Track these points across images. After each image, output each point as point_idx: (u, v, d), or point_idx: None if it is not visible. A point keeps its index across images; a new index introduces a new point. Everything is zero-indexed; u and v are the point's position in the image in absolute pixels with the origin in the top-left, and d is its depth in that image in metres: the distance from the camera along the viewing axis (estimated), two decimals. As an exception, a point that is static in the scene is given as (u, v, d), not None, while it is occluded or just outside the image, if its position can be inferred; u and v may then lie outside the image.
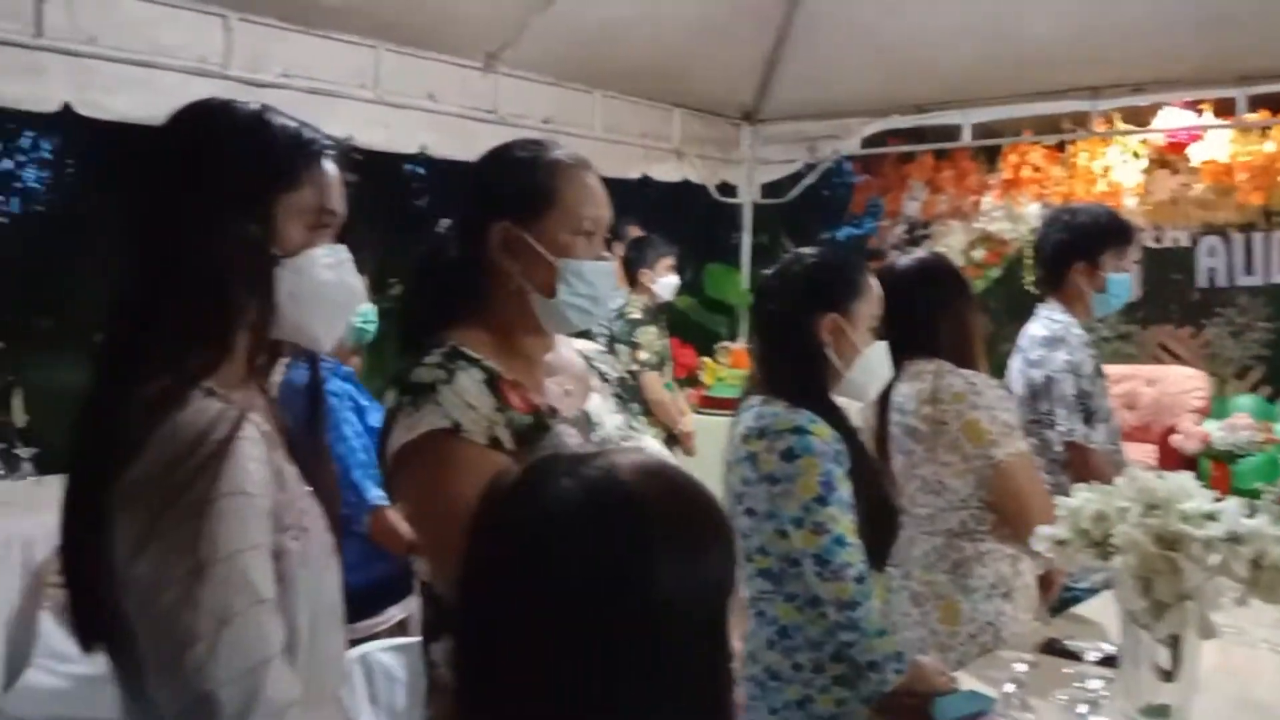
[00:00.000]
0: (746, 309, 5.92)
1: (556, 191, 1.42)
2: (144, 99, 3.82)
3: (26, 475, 3.51)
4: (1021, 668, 1.72)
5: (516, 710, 0.78)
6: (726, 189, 5.84)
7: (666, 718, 0.77)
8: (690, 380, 5.15)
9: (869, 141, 5.59)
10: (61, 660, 3.00)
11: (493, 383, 1.37)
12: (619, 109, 5.09)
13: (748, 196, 5.89)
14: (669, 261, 4.58)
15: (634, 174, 5.23)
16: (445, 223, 1.49)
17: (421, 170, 8.42)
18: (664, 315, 4.70)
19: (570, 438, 1.39)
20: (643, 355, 4.39)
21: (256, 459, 1.07)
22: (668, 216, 6.29)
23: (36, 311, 5.86)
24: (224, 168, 1.13)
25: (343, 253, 1.20)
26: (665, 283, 4.56)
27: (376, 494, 2.81)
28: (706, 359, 5.20)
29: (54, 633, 3.01)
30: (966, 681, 1.86)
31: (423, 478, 1.32)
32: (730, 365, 5.03)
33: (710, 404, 4.92)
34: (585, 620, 0.76)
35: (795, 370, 1.84)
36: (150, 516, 1.01)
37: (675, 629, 0.77)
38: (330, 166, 1.18)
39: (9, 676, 2.97)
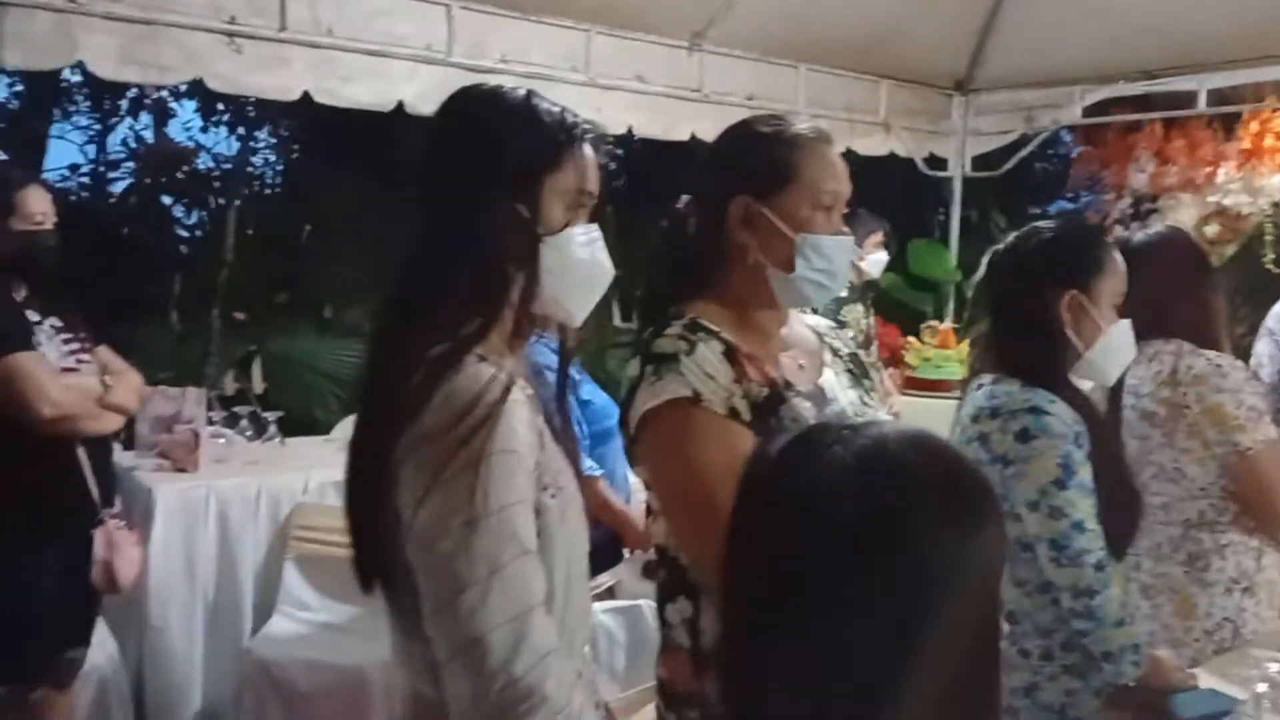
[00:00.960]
0: (954, 287, 5.75)
1: (797, 166, 1.43)
2: (375, 86, 4.06)
3: (272, 437, 3.81)
4: (1275, 667, 1.62)
5: (784, 677, 0.79)
6: (934, 162, 5.66)
7: (935, 691, 0.77)
8: (894, 361, 5.05)
9: (1091, 110, 5.28)
10: (302, 608, 3.27)
11: (731, 355, 1.40)
12: (824, 83, 5.02)
13: (958, 169, 5.69)
14: (877, 238, 4.48)
15: (838, 148, 5.12)
16: (684, 198, 1.53)
17: (619, 150, 8.57)
18: (870, 293, 4.61)
19: (806, 411, 1.40)
20: (848, 334, 4.32)
21: (523, 421, 1.15)
22: (871, 191, 6.15)
23: (274, 287, 6.32)
24: (498, 150, 1.20)
25: (595, 232, 1.26)
26: (874, 260, 4.46)
27: (587, 464, 2.91)
28: (911, 339, 5.07)
29: (296, 582, 3.28)
30: (1206, 680, 1.77)
31: (664, 443, 1.36)
32: (937, 345, 4.89)
33: (915, 385, 4.80)
34: (855, 589, 0.77)
35: (1031, 349, 1.78)
36: (431, 470, 1.10)
37: (947, 601, 0.77)
38: (588, 149, 1.24)
39: (257, 622, 3.26)
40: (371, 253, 6.70)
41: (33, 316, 2.54)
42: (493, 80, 4.03)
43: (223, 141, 7.52)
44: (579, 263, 1.23)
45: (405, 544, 1.13)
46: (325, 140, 7.14)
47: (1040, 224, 1.89)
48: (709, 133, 4.62)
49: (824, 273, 1.43)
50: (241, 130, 7.47)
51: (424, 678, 1.19)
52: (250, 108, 7.22)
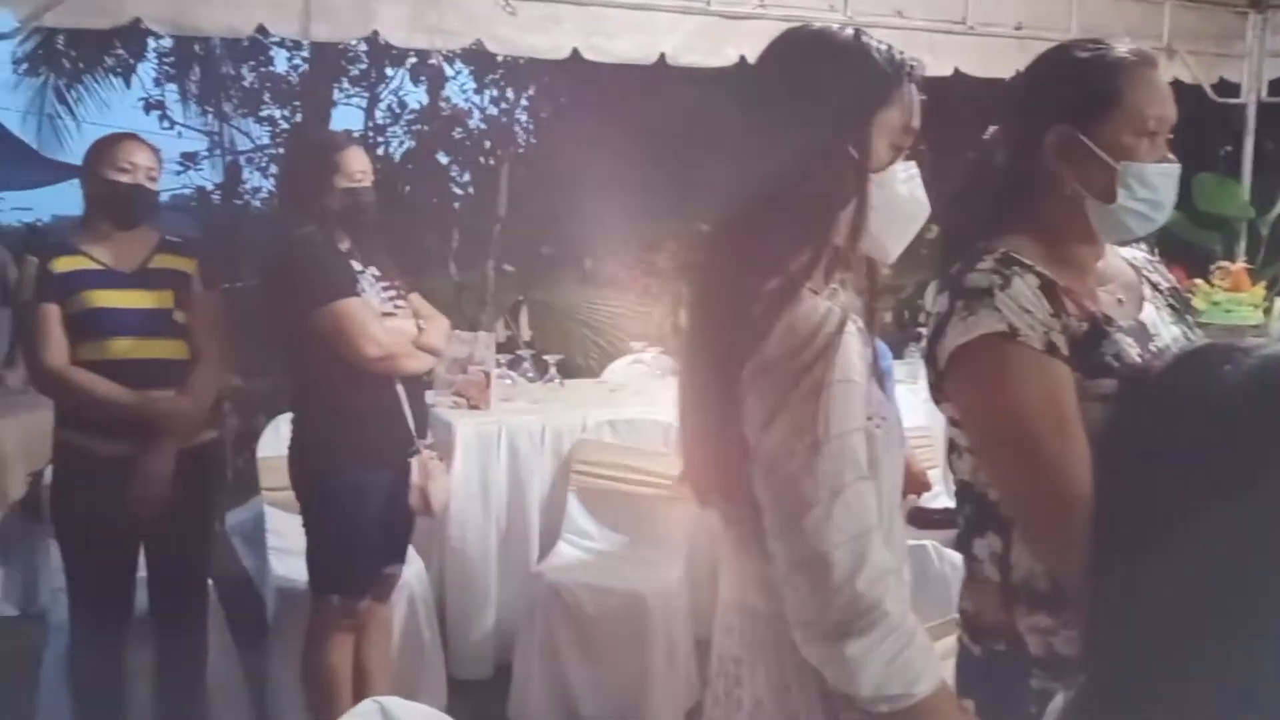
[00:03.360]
0: (1247, 224, 5.28)
1: (1119, 91, 1.38)
2: (639, 40, 4.17)
3: (552, 379, 4.06)
4: None
5: (1155, 605, 0.76)
6: (1224, 88, 5.19)
7: None
8: (1178, 304, 4.69)
9: None
10: (584, 536, 3.49)
11: (1047, 289, 1.37)
12: (1099, 7, 4.69)
13: (1252, 95, 5.20)
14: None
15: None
16: (991, 129, 1.51)
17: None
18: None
19: (1128, 347, 1.37)
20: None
21: (857, 352, 1.20)
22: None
23: (539, 240, 6.67)
24: (831, 89, 1.24)
25: (914, 169, 1.28)
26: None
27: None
28: (1199, 281, 4.71)
29: (579, 513, 3.51)
30: None
31: (978, 379, 1.37)
32: (1228, 289, 4.51)
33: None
34: (1248, 518, 0.74)
35: None
36: (777, 396, 1.17)
37: None
38: (913, 87, 1.26)
39: (543, 548, 3.51)
40: (628, 206, 6.93)
41: (356, 266, 2.76)
42: (751, 27, 4.07)
43: (489, 103, 7.93)
44: (900, 200, 1.26)
45: (749, 465, 1.21)
46: (586, 98, 7.38)
47: None
48: (976, 68, 4.47)
49: (1148, 203, 1.38)
50: (510, 91, 7.84)
51: (758, 592, 1.27)
52: (519, 69, 7.55)
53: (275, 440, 3.38)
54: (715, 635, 1.40)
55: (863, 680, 1.17)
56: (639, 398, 4.02)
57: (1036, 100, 1.45)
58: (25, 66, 9.03)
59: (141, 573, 2.73)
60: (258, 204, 9.95)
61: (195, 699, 2.84)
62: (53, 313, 2.56)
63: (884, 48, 1.27)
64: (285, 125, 9.68)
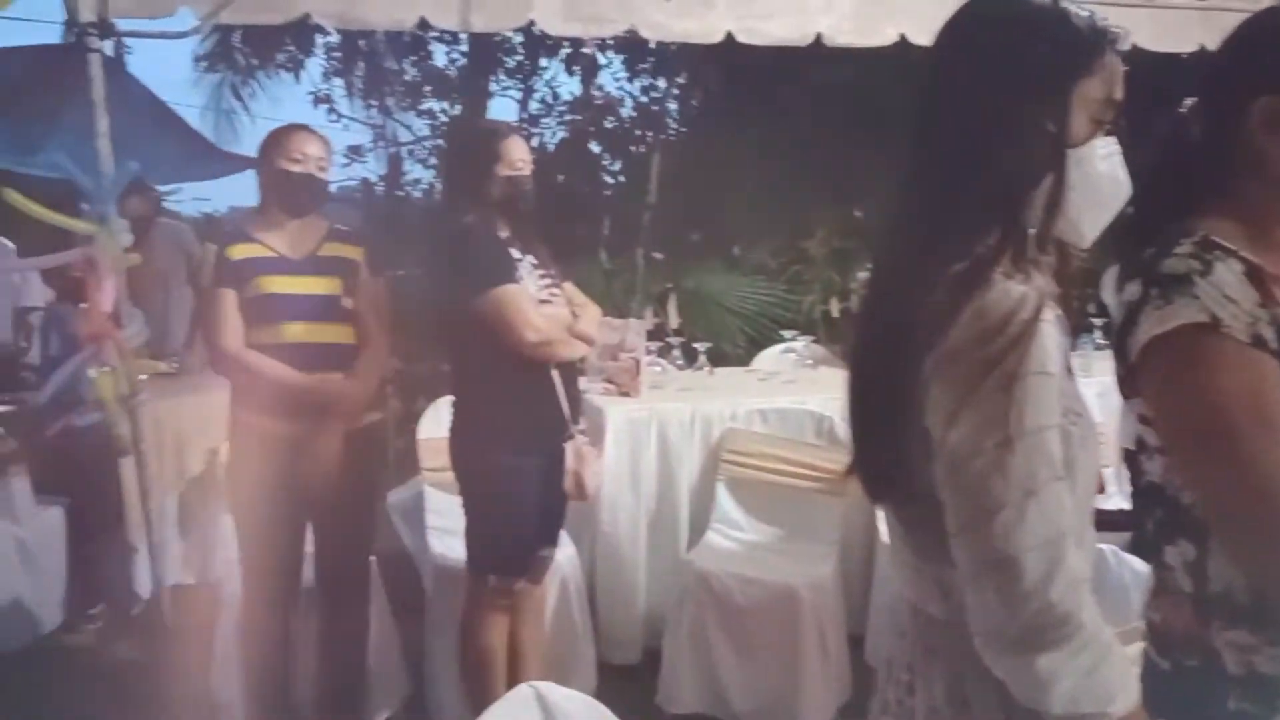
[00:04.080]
0: None
1: None
2: (793, 21, 4.08)
3: (701, 367, 4.04)
4: None
5: None
6: None
7: None
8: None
9: None
10: (734, 526, 3.46)
11: (1254, 276, 1.26)
12: (1297, -26, 4.34)
13: None
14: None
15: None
16: (1188, 102, 1.40)
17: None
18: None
19: (1352, 339, 1.24)
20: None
21: (1054, 342, 1.11)
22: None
23: (688, 227, 6.65)
24: (1027, 57, 1.16)
25: (1114, 146, 1.18)
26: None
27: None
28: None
29: (728, 502, 3.48)
30: None
31: (1174, 373, 1.26)
32: None
33: None
34: None
35: None
36: (964, 388, 1.09)
37: None
38: (1115, 56, 1.17)
39: (692, 536, 3.50)
40: (777, 192, 6.84)
41: (515, 254, 2.79)
42: (913, 3, 3.92)
43: (640, 92, 7.95)
44: (1099, 178, 1.16)
45: (931, 462, 1.14)
46: (736, 83, 7.31)
47: None
48: (1155, 43, 4.18)
49: None
50: (662, 78, 7.85)
51: (932, 596, 1.20)
52: (670, 55, 7.55)
53: (435, 423, 3.48)
54: (881, 637, 1.35)
55: (1053, 696, 1.09)
56: (790, 387, 3.96)
57: (1241, 70, 1.33)
58: (204, 64, 9.59)
59: (309, 548, 2.85)
60: (418, 195, 10.27)
61: (356, 671, 2.95)
62: (229, 297, 2.69)
63: (1085, 13, 1.17)
64: (444, 118, 9.96)
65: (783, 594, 3.08)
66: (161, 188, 5.45)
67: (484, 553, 2.80)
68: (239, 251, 2.73)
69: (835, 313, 6.16)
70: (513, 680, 2.91)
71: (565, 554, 3.18)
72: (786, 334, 4.67)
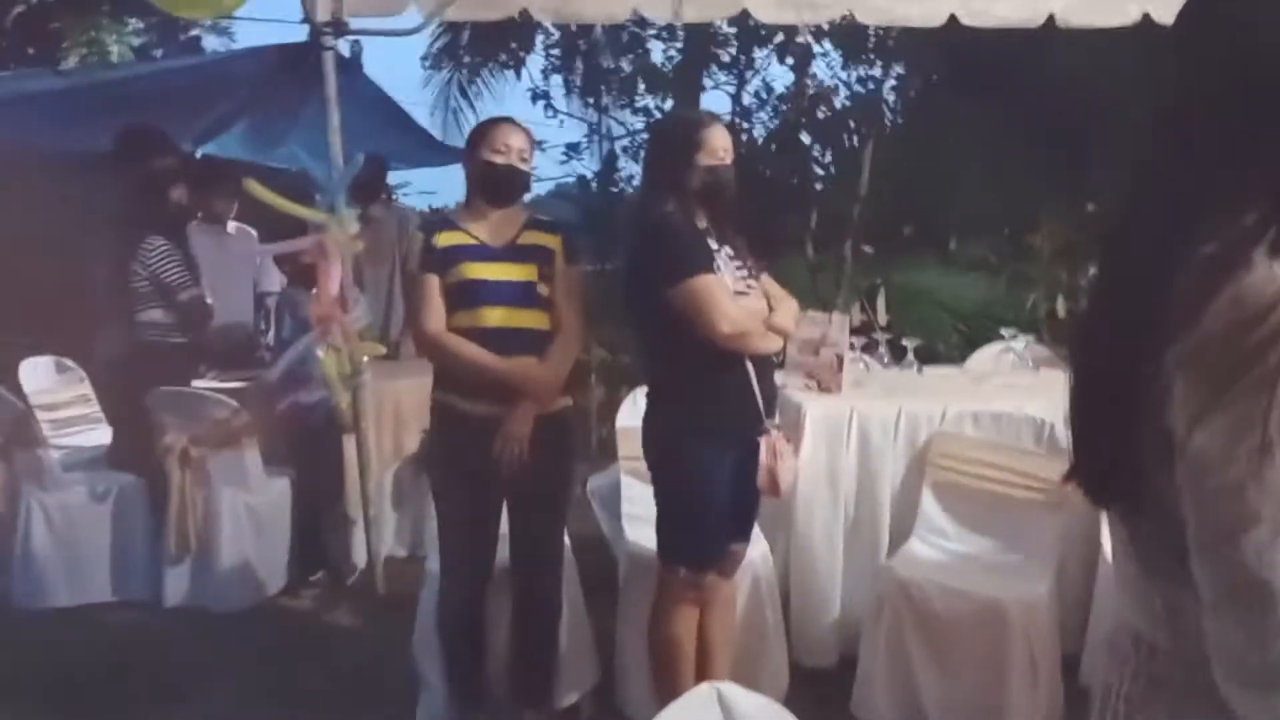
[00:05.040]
0: None
1: None
2: (1024, 1, 3.84)
3: (909, 365, 3.86)
4: None
5: None
6: None
7: None
8: None
9: None
10: (939, 535, 3.27)
11: None
12: None
13: None
14: None
15: None
16: None
17: None
18: None
19: None
20: None
21: None
22: None
23: (900, 220, 6.42)
24: None
25: None
26: None
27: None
28: None
29: (934, 509, 3.30)
30: None
31: None
32: None
33: None
34: None
35: None
36: (1215, 385, 0.94)
37: None
38: None
39: (892, 542, 3.35)
40: (998, 185, 6.49)
41: (712, 244, 2.76)
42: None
43: (855, 81, 7.74)
44: None
45: (1168, 468, 0.99)
46: (955, 71, 7.00)
47: None
48: None
49: None
50: (878, 67, 7.62)
51: (1159, 621, 1.05)
52: (889, 42, 7.30)
53: (634, 411, 3.48)
54: (1098, 659, 1.20)
55: None
56: (1007, 390, 3.72)
57: None
58: (431, 62, 10.07)
59: (504, 528, 2.91)
60: (631, 191, 10.44)
61: (547, 651, 2.99)
62: (434, 283, 2.78)
63: None
64: (658, 113, 10.05)
65: (990, 610, 2.89)
66: (390, 181, 5.73)
67: (674, 543, 2.78)
68: (444, 239, 2.82)
69: (1062, 313, 5.79)
70: (701, 675, 2.88)
71: (758, 550, 3.11)
72: (1005, 332, 4.40)
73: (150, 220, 4.34)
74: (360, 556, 4.42)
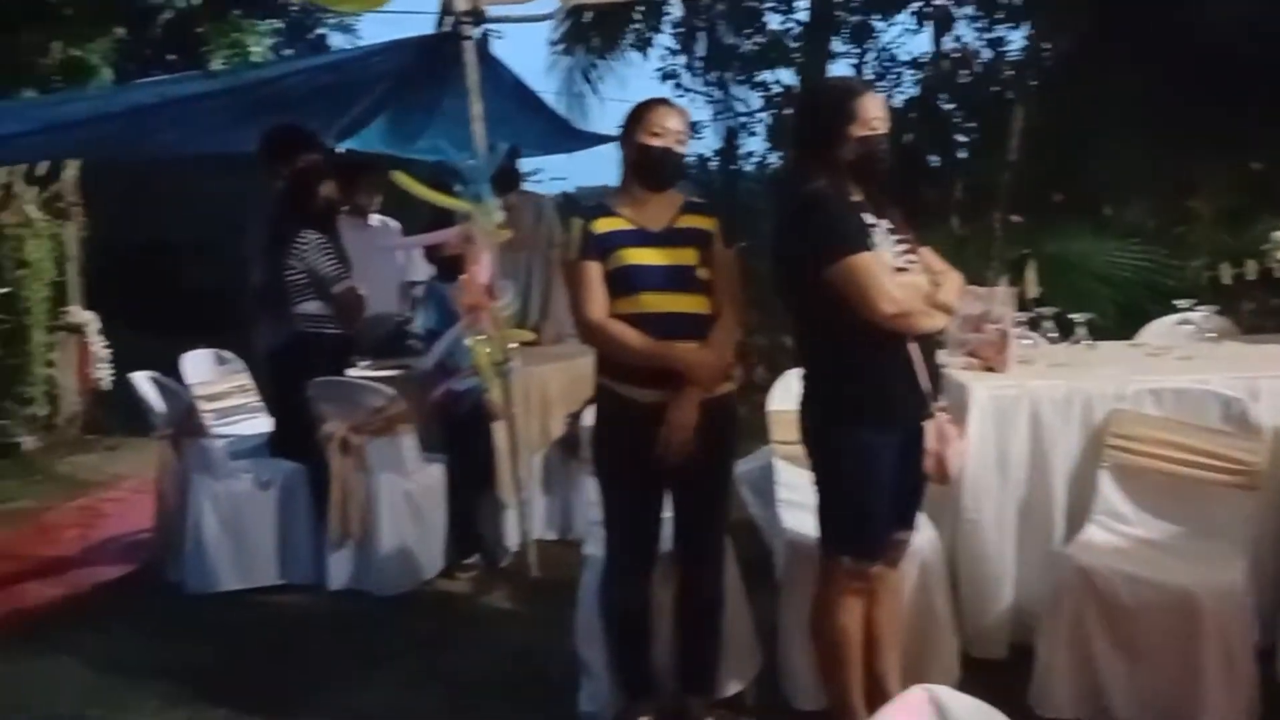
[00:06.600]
0: None
1: None
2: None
3: (1079, 341, 3.68)
4: None
5: None
6: None
7: None
8: None
9: None
10: (1119, 519, 3.11)
11: None
12: None
13: None
14: None
15: None
16: None
17: None
18: None
19: None
20: None
21: None
22: None
23: (1050, 187, 6.12)
24: None
25: None
26: None
27: None
28: None
29: (1113, 492, 3.12)
30: None
31: None
32: None
33: None
34: None
35: None
36: None
37: None
38: None
39: (1068, 527, 3.19)
40: (1155, 146, 6.13)
41: (868, 219, 2.65)
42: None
43: (995, 42, 7.42)
44: None
45: None
46: (1106, 27, 6.64)
47: None
48: None
49: None
50: (1024, 25, 7.28)
51: None
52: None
53: (786, 395, 3.40)
54: None
55: None
56: (1188, 364, 3.49)
57: None
58: (561, 48, 10.11)
59: (667, 513, 2.88)
60: (749, 168, 10.37)
61: (712, 639, 2.96)
62: (596, 270, 2.75)
63: None
64: (778, 88, 9.94)
65: (1180, 599, 2.72)
66: (522, 168, 5.76)
67: (837, 532, 2.71)
68: (602, 225, 2.78)
69: (1227, 279, 5.45)
70: (869, 666, 2.80)
71: (926, 537, 3.00)
72: (1181, 303, 4.14)
73: (302, 215, 4.46)
74: (512, 540, 4.47)
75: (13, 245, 7.00)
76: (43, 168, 7.17)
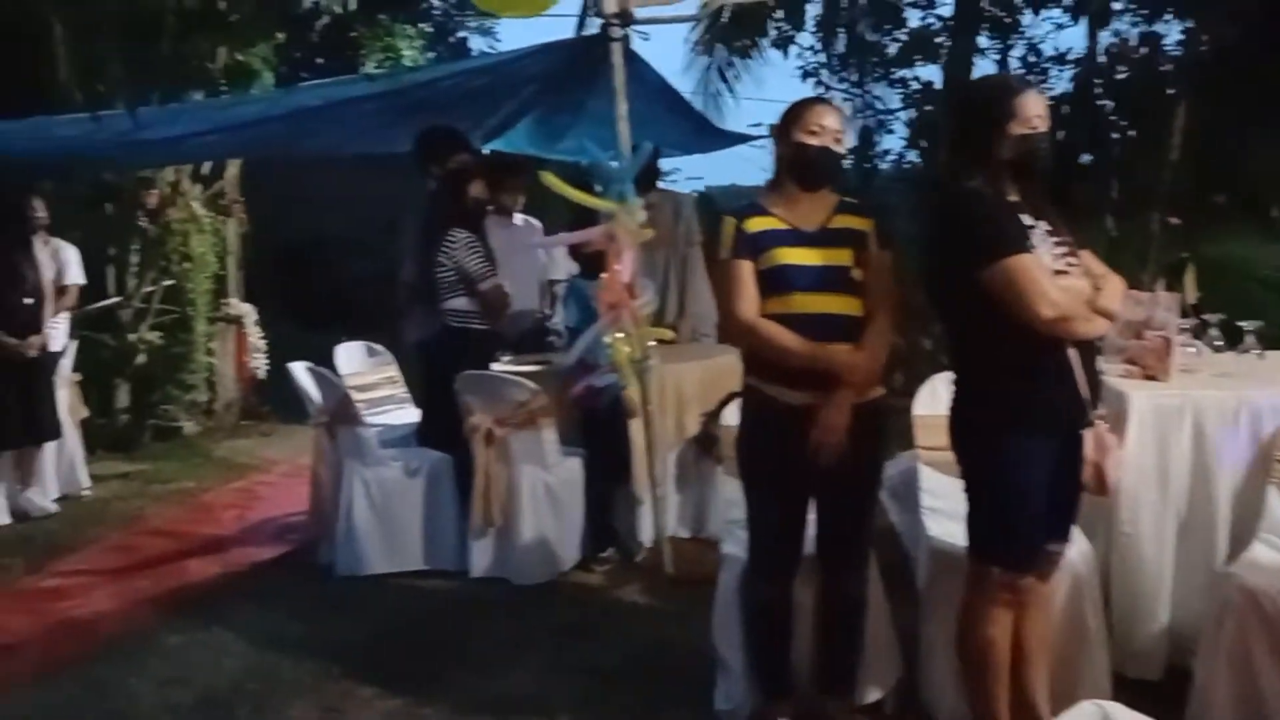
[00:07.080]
0: None
1: None
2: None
3: (1248, 349, 3.50)
4: None
5: None
6: None
7: None
8: None
9: None
10: (1289, 537, 2.94)
11: None
12: None
13: None
14: None
15: None
16: None
17: None
18: None
19: None
20: None
21: None
22: None
23: (1210, 187, 5.84)
24: None
25: None
26: None
27: None
28: None
29: (1281, 510, 2.96)
30: None
31: None
32: None
33: None
34: None
35: None
36: None
37: None
38: None
39: (1233, 545, 3.04)
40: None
41: (1026, 220, 2.57)
42: None
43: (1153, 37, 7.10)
44: None
45: None
46: (1272, 20, 6.28)
47: None
48: None
49: None
50: (1187, 18, 6.96)
51: None
52: None
53: (932, 400, 3.34)
54: None
55: None
56: (1370, 378, 3.29)
57: None
58: (700, 48, 10.15)
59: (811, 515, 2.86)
60: (885, 166, 10.23)
61: (853, 643, 2.93)
62: (747, 269, 2.76)
63: None
64: (916, 85, 9.77)
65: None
66: (660, 168, 5.81)
67: (987, 542, 2.64)
68: (754, 224, 2.78)
69: (1403, 285, 5.10)
70: (1016, 680, 2.73)
71: (1079, 550, 2.90)
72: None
73: (453, 214, 4.60)
74: (646, 535, 4.52)
75: (179, 240, 7.44)
76: (207, 167, 7.61)
